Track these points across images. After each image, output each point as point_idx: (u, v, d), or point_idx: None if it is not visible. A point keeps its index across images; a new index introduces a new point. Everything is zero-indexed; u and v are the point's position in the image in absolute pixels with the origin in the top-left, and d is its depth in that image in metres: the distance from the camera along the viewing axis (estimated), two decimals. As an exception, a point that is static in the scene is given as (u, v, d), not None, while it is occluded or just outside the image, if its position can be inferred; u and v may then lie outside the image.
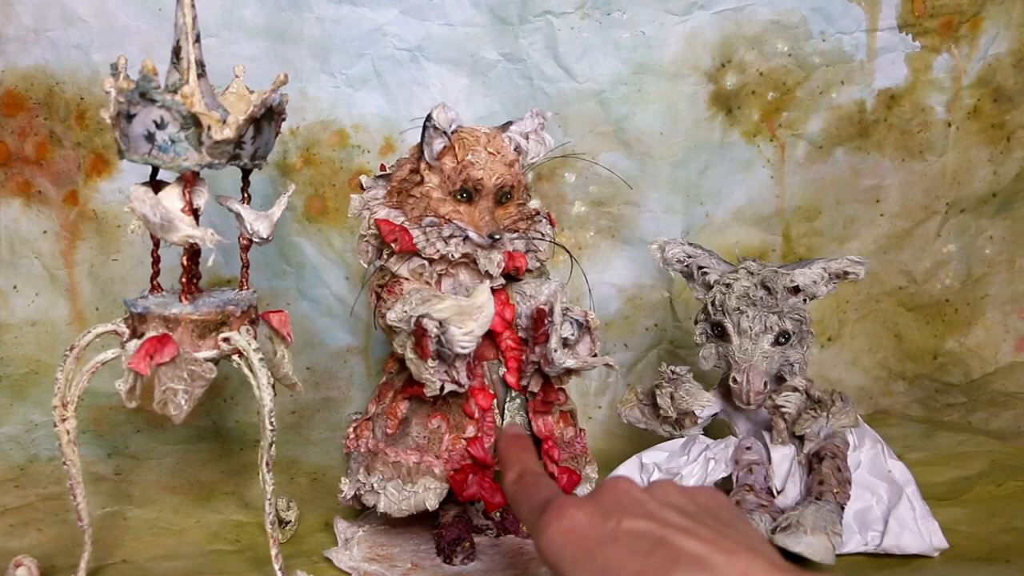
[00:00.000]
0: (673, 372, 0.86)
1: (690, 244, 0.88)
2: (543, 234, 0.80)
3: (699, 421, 0.86)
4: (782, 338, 0.82)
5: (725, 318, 0.83)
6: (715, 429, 0.88)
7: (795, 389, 0.81)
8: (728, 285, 0.83)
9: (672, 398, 0.85)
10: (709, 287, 0.85)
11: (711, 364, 0.86)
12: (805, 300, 0.84)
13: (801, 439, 0.81)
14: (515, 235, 0.78)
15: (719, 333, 0.84)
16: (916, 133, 1.10)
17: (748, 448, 0.82)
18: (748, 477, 0.80)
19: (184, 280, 0.69)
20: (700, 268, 0.86)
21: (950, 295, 1.15)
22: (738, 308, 0.82)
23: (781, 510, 0.78)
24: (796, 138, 1.08)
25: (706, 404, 0.85)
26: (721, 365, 0.85)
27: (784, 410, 0.81)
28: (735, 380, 0.83)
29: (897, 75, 1.09)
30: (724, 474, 0.81)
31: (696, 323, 0.87)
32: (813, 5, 1.04)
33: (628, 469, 0.84)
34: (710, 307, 0.84)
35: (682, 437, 0.85)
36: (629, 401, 0.89)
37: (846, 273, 0.85)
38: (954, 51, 1.09)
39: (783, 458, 0.81)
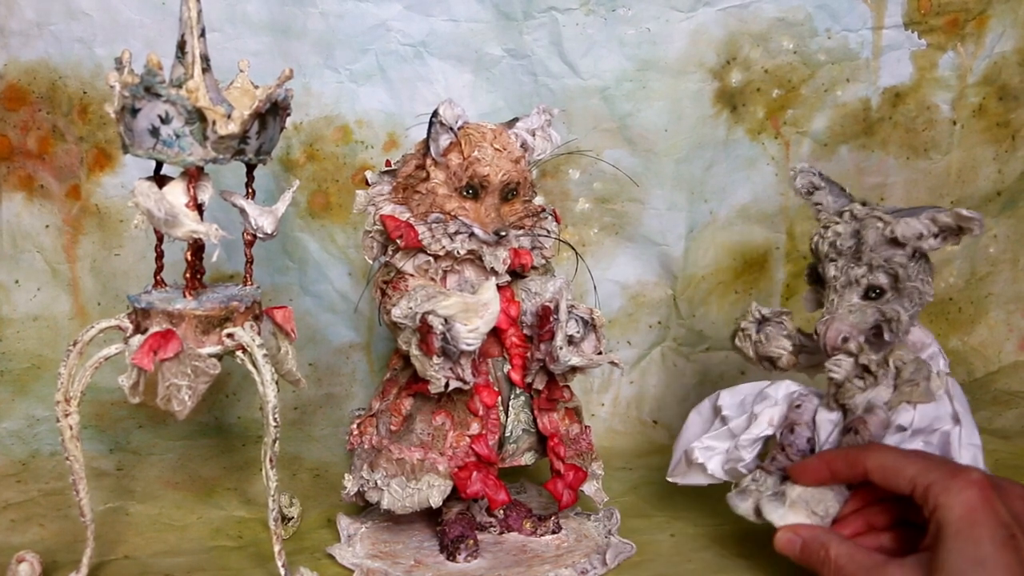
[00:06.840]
0: (759, 312, 0.80)
1: (819, 175, 0.80)
2: (548, 231, 0.79)
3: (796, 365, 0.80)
4: (873, 292, 0.75)
5: (819, 263, 0.78)
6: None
7: (851, 353, 0.75)
8: (826, 228, 0.77)
9: (754, 341, 0.80)
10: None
11: (811, 308, 0.81)
12: (916, 253, 0.75)
13: (844, 408, 0.76)
14: (521, 232, 0.78)
15: (816, 278, 0.79)
16: (921, 131, 1.10)
17: (798, 407, 0.77)
18: (788, 436, 0.76)
19: (188, 275, 0.69)
20: (816, 204, 0.79)
21: (954, 293, 1.15)
22: (828, 256, 0.76)
23: None
24: (801, 136, 1.07)
25: (782, 351, 0.79)
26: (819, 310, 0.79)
27: (832, 374, 0.75)
28: (816, 329, 0.76)
29: (902, 73, 1.08)
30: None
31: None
32: (819, 2, 1.04)
33: (701, 413, 0.81)
34: (811, 250, 0.79)
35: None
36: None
37: (960, 228, 0.73)
38: (960, 49, 1.08)
39: (826, 422, 0.76)
